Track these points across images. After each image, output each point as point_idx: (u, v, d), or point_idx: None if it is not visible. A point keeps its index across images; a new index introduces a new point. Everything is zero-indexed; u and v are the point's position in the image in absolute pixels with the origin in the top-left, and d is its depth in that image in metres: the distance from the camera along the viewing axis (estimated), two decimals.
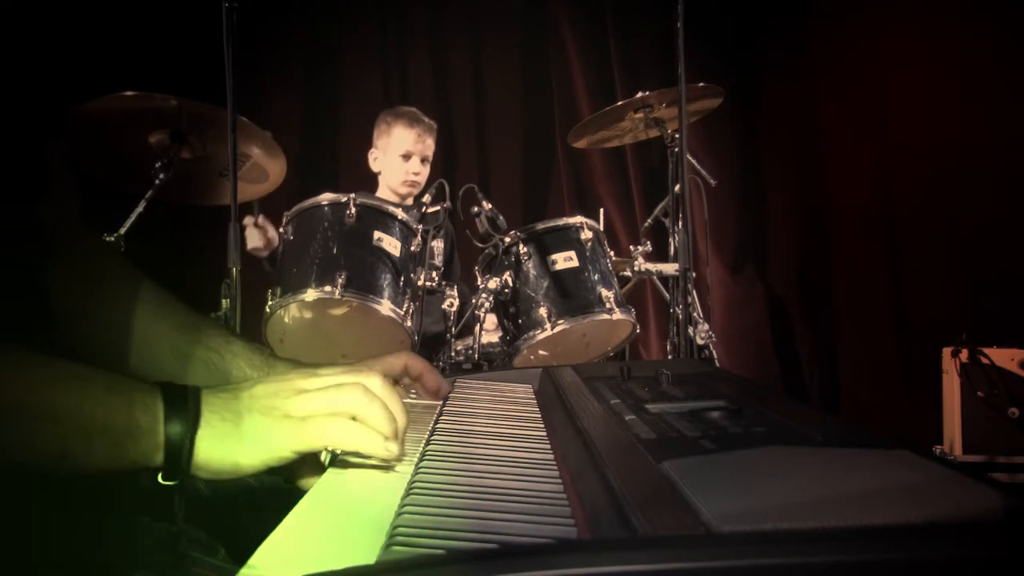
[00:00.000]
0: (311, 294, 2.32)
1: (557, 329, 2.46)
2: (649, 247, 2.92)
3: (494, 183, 4.31)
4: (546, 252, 2.55)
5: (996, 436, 2.92)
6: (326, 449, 0.77)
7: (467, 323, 2.59)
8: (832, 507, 0.50)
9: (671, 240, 3.01)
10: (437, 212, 2.70)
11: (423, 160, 3.20)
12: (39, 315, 0.90)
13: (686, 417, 0.79)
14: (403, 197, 3.21)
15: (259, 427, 0.73)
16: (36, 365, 0.70)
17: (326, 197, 2.48)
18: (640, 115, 3.07)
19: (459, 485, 0.69)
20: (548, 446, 0.85)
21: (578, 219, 2.63)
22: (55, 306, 0.94)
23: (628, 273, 2.91)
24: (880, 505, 0.51)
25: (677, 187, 2.90)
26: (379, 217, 2.48)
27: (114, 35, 2.81)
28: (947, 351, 3.02)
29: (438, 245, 3.17)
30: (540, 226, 2.61)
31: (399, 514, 0.61)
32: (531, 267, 2.54)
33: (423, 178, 3.19)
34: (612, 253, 2.69)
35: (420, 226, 2.55)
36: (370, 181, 3.33)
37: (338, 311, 2.42)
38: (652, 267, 2.90)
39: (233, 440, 0.72)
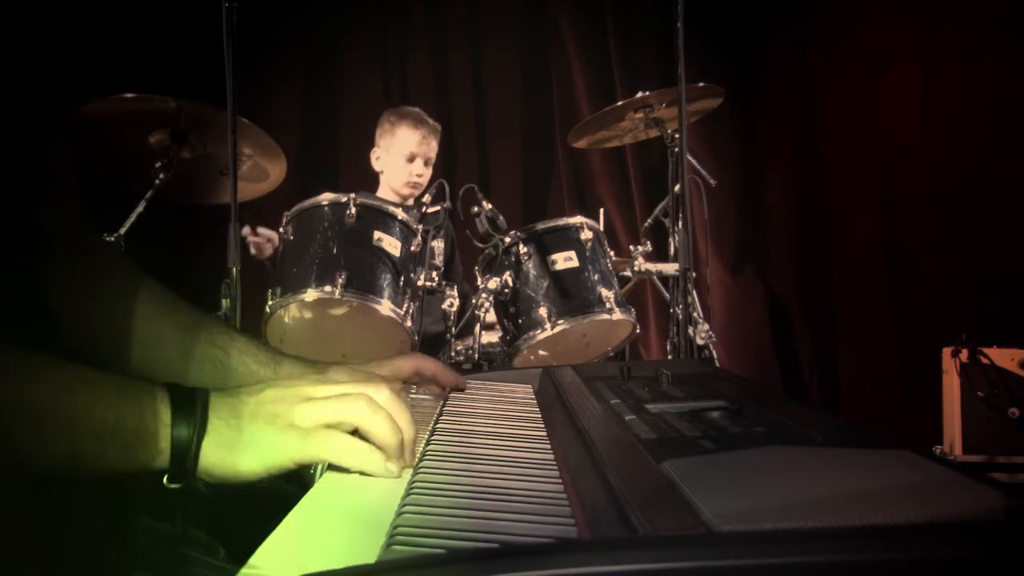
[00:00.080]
0: (311, 294, 2.32)
1: (557, 329, 2.46)
2: (649, 247, 2.92)
3: (494, 183, 4.31)
4: (546, 252, 2.55)
5: (996, 436, 2.92)
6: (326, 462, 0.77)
7: (467, 323, 2.59)
8: (832, 507, 0.50)
9: (671, 240, 3.01)
10: (437, 212, 2.70)
11: (426, 162, 3.19)
12: (39, 316, 0.90)
13: (686, 417, 0.79)
14: (404, 198, 3.20)
15: (262, 436, 0.73)
16: (45, 369, 0.70)
17: (326, 197, 2.48)
18: (640, 115, 3.07)
19: (459, 485, 0.69)
20: (548, 446, 0.85)
21: (578, 219, 2.63)
22: (57, 307, 0.94)
23: (628, 273, 2.91)
24: (880, 505, 0.51)
25: (677, 187, 2.90)
26: (379, 217, 2.48)
27: (114, 36, 2.81)
28: (947, 351, 3.02)
29: (438, 245, 3.17)
30: (540, 226, 2.61)
31: (399, 514, 0.61)
32: (531, 267, 2.54)
33: (425, 180, 3.19)
34: (612, 253, 2.69)
35: (420, 226, 2.55)
36: (370, 181, 3.33)
37: (338, 311, 2.42)
38: (652, 267, 2.90)
39: (236, 447, 0.73)
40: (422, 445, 0.84)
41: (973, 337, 2.98)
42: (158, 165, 2.60)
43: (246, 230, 2.78)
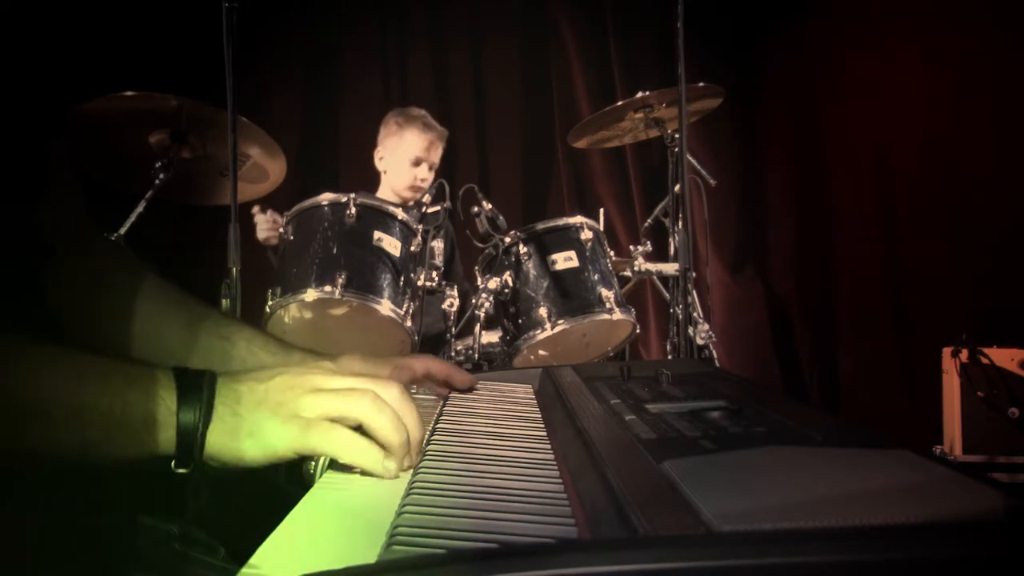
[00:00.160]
0: (311, 294, 2.32)
1: (557, 329, 2.46)
2: (649, 247, 2.92)
3: (494, 183, 4.31)
4: (546, 252, 2.55)
5: (996, 436, 2.92)
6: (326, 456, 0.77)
7: (467, 323, 2.59)
8: (832, 507, 0.50)
9: (671, 240, 3.01)
10: (437, 212, 2.70)
11: (430, 167, 3.18)
12: (39, 316, 0.90)
13: (686, 417, 0.79)
14: (406, 200, 3.20)
15: (265, 424, 0.74)
16: (52, 359, 0.70)
17: (326, 197, 2.48)
18: (640, 115, 3.07)
19: (459, 485, 0.69)
20: (548, 446, 0.85)
21: (578, 219, 2.63)
22: (57, 306, 0.94)
23: (628, 273, 2.91)
24: (880, 505, 0.51)
25: (677, 187, 2.90)
26: (379, 217, 2.48)
27: (114, 35, 2.81)
28: (947, 351, 3.02)
29: (438, 245, 3.16)
30: (540, 226, 2.61)
31: (399, 514, 0.61)
32: (531, 267, 2.55)
33: (428, 183, 3.18)
34: (612, 253, 2.69)
35: (420, 226, 2.55)
36: (370, 181, 3.33)
37: (338, 311, 2.42)
38: (652, 267, 2.90)
39: (240, 434, 0.73)
40: (422, 445, 0.84)
41: (973, 337, 2.98)
42: (158, 165, 2.60)
43: (256, 208, 2.78)
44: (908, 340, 3.84)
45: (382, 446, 0.75)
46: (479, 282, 2.61)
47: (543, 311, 2.47)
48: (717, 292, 3.99)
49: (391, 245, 2.44)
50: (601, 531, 0.59)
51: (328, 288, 2.31)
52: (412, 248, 2.50)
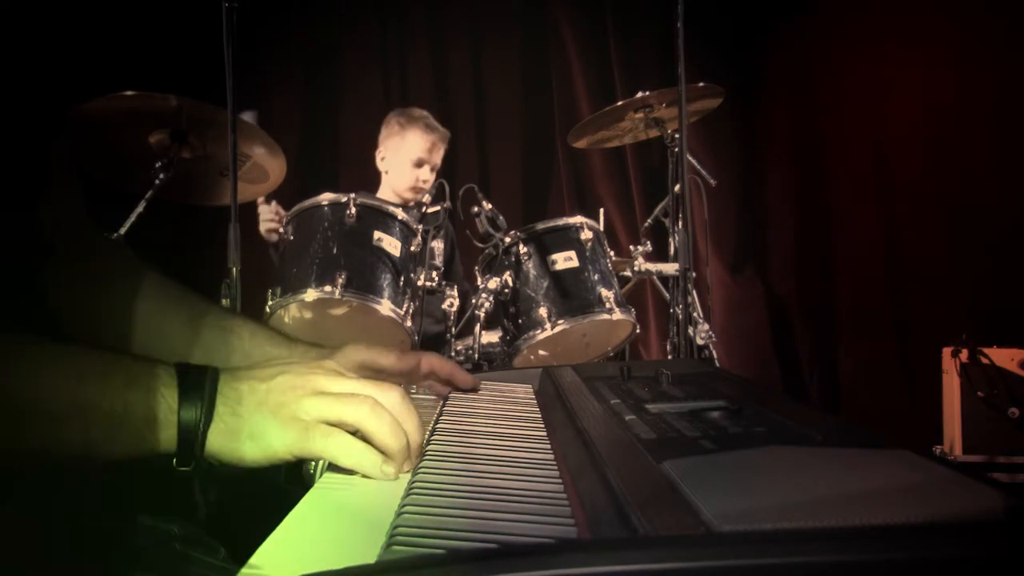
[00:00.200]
0: (311, 294, 2.32)
1: (557, 329, 2.46)
2: (649, 247, 2.92)
3: (494, 183, 4.31)
4: (546, 252, 2.55)
5: (996, 436, 2.92)
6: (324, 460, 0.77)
7: (467, 323, 2.59)
8: (832, 507, 0.50)
9: (671, 240, 3.01)
10: (437, 212, 2.70)
11: (432, 168, 3.18)
12: (39, 316, 0.90)
13: (686, 417, 0.79)
14: (407, 201, 3.19)
15: (264, 426, 0.74)
16: (55, 357, 0.70)
17: (326, 197, 2.48)
18: (640, 115, 3.07)
19: (459, 485, 0.69)
20: (548, 446, 0.85)
21: (578, 219, 2.63)
22: (57, 307, 0.94)
23: (628, 273, 2.91)
24: (880, 505, 0.51)
25: (677, 187, 2.90)
26: (379, 217, 2.48)
27: (114, 35, 2.81)
28: (947, 351, 3.02)
29: (438, 245, 3.17)
30: (540, 226, 2.61)
31: (399, 514, 0.61)
32: (531, 267, 2.55)
33: (429, 184, 3.18)
34: (612, 253, 2.69)
35: (420, 226, 2.55)
36: (370, 181, 3.33)
37: (338, 311, 2.42)
38: (652, 267, 2.90)
39: (240, 435, 0.73)
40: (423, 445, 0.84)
41: (973, 337, 2.98)
42: (158, 165, 2.59)
43: (261, 199, 2.78)
44: (908, 340, 3.84)
45: (381, 451, 0.76)
46: (479, 282, 2.61)
47: (543, 311, 2.47)
48: (717, 292, 3.99)
49: (391, 245, 2.44)
50: (601, 531, 0.59)
51: (328, 288, 2.31)
52: (412, 248, 2.50)
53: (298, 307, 2.40)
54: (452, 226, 3.28)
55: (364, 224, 2.44)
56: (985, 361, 2.93)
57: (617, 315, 2.48)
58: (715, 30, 3.76)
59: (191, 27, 2.83)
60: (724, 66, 3.76)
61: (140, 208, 2.57)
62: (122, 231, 2.53)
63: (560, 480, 0.72)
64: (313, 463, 0.83)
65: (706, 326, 2.80)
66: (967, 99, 3.66)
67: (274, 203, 2.78)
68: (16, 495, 0.71)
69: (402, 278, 2.43)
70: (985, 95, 3.64)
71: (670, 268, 2.85)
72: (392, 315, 2.35)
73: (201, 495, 0.89)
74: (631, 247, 2.94)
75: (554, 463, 0.78)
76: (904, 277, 3.89)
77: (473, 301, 2.55)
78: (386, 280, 2.39)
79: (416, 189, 3.15)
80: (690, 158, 2.64)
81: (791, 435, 0.71)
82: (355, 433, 0.76)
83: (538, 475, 0.73)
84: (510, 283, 2.52)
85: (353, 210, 2.42)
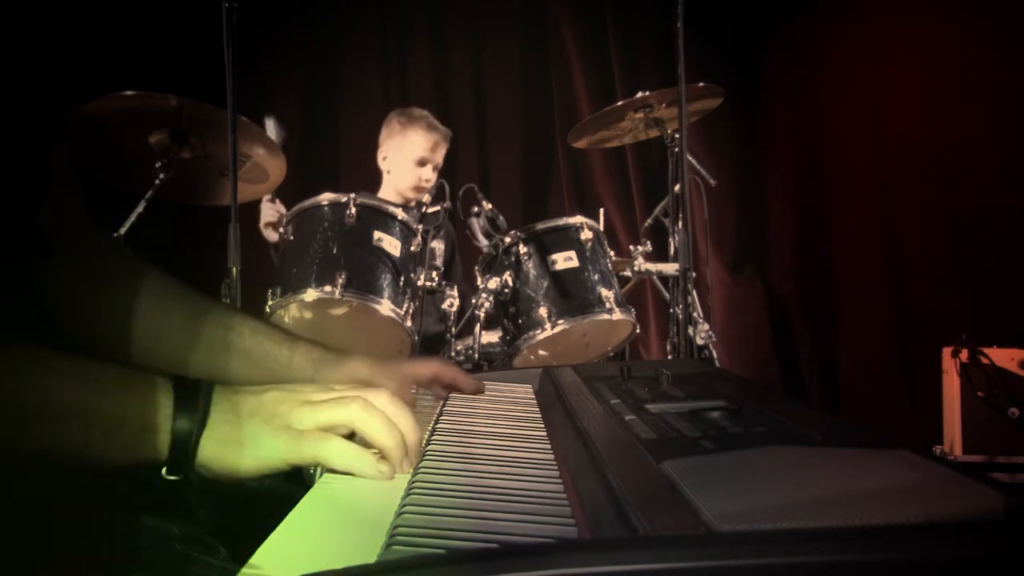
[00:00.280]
0: (311, 294, 2.32)
1: (557, 329, 2.46)
2: (649, 247, 2.92)
3: (494, 183, 4.31)
4: (546, 252, 2.55)
5: (996, 436, 2.92)
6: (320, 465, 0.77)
7: (467, 323, 2.59)
8: (832, 507, 0.50)
9: (671, 240, 3.01)
10: (437, 212, 2.70)
11: (435, 167, 3.19)
12: (39, 317, 0.90)
13: (686, 417, 0.79)
14: (409, 200, 3.20)
15: (258, 434, 0.74)
16: (51, 364, 0.70)
17: (326, 197, 2.48)
18: (640, 115, 3.07)
19: (459, 485, 0.69)
20: (548, 446, 0.85)
21: (578, 219, 2.63)
22: (56, 307, 0.94)
23: (628, 273, 2.91)
24: (880, 505, 0.51)
25: (677, 187, 2.90)
26: (379, 217, 2.48)
27: (114, 35, 2.81)
28: (947, 351, 3.02)
29: (439, 245, 3.17)
30: (540, 226, 2.61)
31: (399, 514, 0.61)
32: (531, 267, 2.55)
33: (432, 183, 3.18)
34: (612, 253, 2.69)
35: (420, 226, 2.55)
36: (370, 181, 3.33)
37: (338, 311, 2.42)
38: (652, 267, 2.90)
39: (233, 444, 0.73)
40: (422, 445, 0.84)
41: (973, 337, 2.98)
42: (158, 165, 2.59)
43: (267, 197, 2.78)
44: (908, 340, 3.84)
45: (378, 451, 0.76)
46: (479, 282, 2.61)
47: (543, 311, 2.47)
48: (717, 292, 3.99)
49: (391, 245, 2.44)
50: (601, 531, 0.59)
51: (328, 288, 2.31)
52: (412, 248, 2.50)
53: (298, 307, 2.40)
54: (452, 226, 3.28)
55: (364, 224, 2.44)
56: (985, 361, 2.93)
57: (617, 315, 2.48)
58: (715, 30, 3.76)
59: (191, 27, 2.83)
60: (724, 66, 3.76)
61: (140, 208, 2.57)
62: (122, 231, 2.53)
63: (560, 480, 0.72)
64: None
65: (706, 326, 2.80)
66: (967, 99, 3.66)
67: (278, 201, 2.78)
68: (16, 495, 0.71)
69: (402, 278, 2.43)
70: (985, 95, 3.64)
71: (670, 268, 2.85)
72: (392, 315, 2.35)
73: (202, 495, 0.89)
74: (631, 247, 2.94)
75: (554, 463, 0.78)
76: (904, 277, 3.89)
77: (473, 301, 2.55)
78: (386, 280, 2.39)
79: (419, 188, 3.15)
80: (690, 158, 2.64)
81: (791, 435, 0.71)
82: (351, 437, 0.76)
83: (538, 475, 0.73)
84: (510, 283, 2.52)
85: (353, 210, 2.42)
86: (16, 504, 0.71)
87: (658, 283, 3.17)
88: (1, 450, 0.67)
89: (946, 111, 3.70)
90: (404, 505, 0.63)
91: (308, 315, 2.44)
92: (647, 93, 2.98)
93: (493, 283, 2.51)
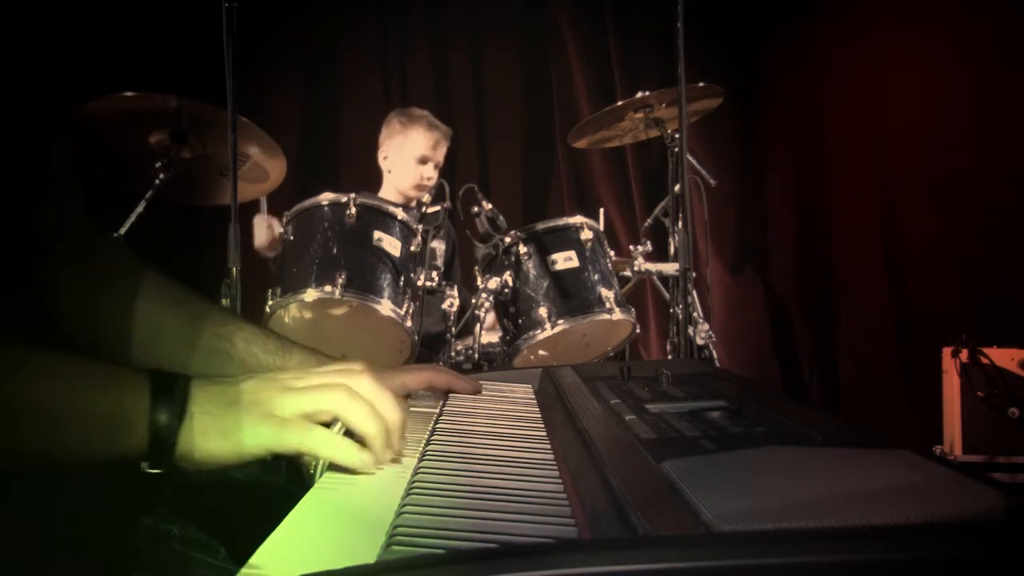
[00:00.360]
0: (311, 294, 2.32)
1: (557, 329, 2.46)
2: (649, 247, 2.92)
3: (494, 183, 4.31)
4: (546, 252, 2.55)
5: (996, 436, 2.91)
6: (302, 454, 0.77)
7: (467, 323, 2.59)
8: (832, 507, 0.50)
9: (671, 240, 3.01)
10: (437, 212, 2.70)
11: (436, 166, 3.19)
12: (39, 317, 0.90)
13: (686, 417, 0.79)
14: (410, 200, 3.20)
15: (239, 423, 0.73)
16: (28, 360, 0.70)
17: (326, 197, 2.48)
18: (640, 115, 3.07)
19: (459, 485, 0.69)
20: (548, 446, 0.85)
21: (578, 219, 2.63)
22: (62, 306, 0.94)
23: (628, 273, 2.91)
24: (880, 505, 0.51)
25: (677, 187, 2.90)
26: (379, 217, 2.48)
27: (114, 35, 2.81)
28: (947, 351, 3.02)
29: (439, 246, 3.17)
30: (540, 226, 2.61)
31: (399, 514, 0.61)
32: (531, 267, 2.55)
33: (434, 182, 3.18)
34: (612, 253, 2.69)
35: (420, 226, 2.55)
36: (370, 181, 3.33)
37: (338, 311, 2.42)
38: (652, 267, 2.90)
39: (213, 434, 0.73)
40: (422, 445, 0.84)
41: (973, 337, 2.98)
42: (158, 165, 2.59)
43: (258, 216, 2.76)
44: (908, 340, 3.84)
45: (362, 436, 0.76)
46: (479, 282, 2.61)
47: (543, 311, 2.47)
48: (717, 292, 3.99)
49: (391, 245, 2.44)
50: (601, 531, 0.59)
51: (328, 288, 2.31)
52: (412, 248, 2.50)
53: (298, 307, 2.40)
54: (452, 227, 3.28)
55: (364, 224, 2.44)
56: (985, 361, 2.93)
57: (617, 315, 2.48)
58: (715, 30, 3.76)
59: (191, 27, 2.83)
60: (724, 66, 3.76)
61: (140, 208, 2.57)
62: (122, 231, 2.53)
63: (560, 480, 0.72)
64: (313, 464, 0.83)
65: (706, 326, 2.80)
66: (967, 99, 3.66)
67: (274, 223, 2.71)
68: (16, 495, 0.71)
69: (402, 278, 2.43)
70: (985, 95, 3.64)
71: (670, 268, 2.85)
72: (392, 315, 2.35)
73: (201, 495, 0.89)
74: (631, 247, 2.94)
75: (554, 463, 0.78)
76: (904, 277, 3.89)
77: (473, 301, 2.55)
78: (386, 280, 2.39)
79: (421, 187, 3.15)
80: (690, 158, 2.64)
81: (791, 435, 0.71)
82: (331, 425, 0.76)
83: (538, 475, 0.73)
84: (510, 283, 2.52)
85: (353, 210, 2.42)
86: (16, 504, 0.71)
87: (658, 283, 3.17)
88: None
89: (946, 111, 3.70)
90: (404, 505, 0.63)
91: (308, 315, 2.44)
92: (647, 93, 2.98)
93: (493, 283, 2.51)
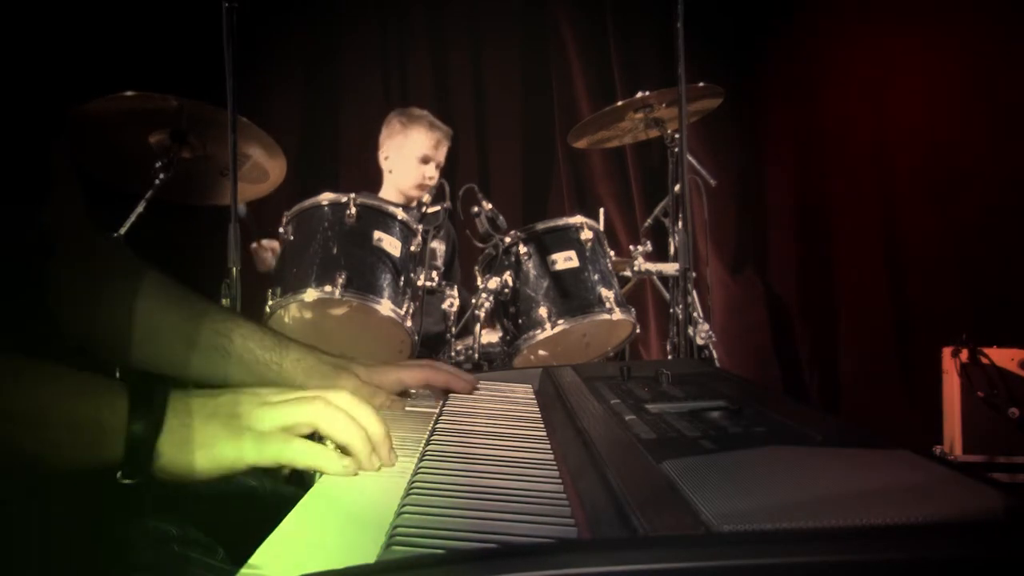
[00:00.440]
0: (311, 294, 2.32)
1: (557, 329, 2.46)
2: (649, 247, 2.92)
3: (494, 183, 4.31)
4: (546, 252, 2.55)
5: (996, 436, 2.91)
6: (283, 466, 0.77)
7: (467, 323, 2.59)
8: (832, 507, 0.50)
9: (671, 240, 3.01)
10: (437, 212, 2.70)
11: (437, 165, 3.20)
12: (39, 317, 0.90)
13: (686, 417, 0.79)
14: (411, 199, 3.20)
15: (217, 436, 0.73)
16: (5, 366, 0.70)
17: (326, 197, 2.48)
18: (640, 115, 3.07)
19: (459, 485, 0.69)
20: (548, 446, 0.85)
21: (578, 219, 2.63)
22: (62, 306, 0.94)
23: (628, 273, 2.91)
24: (880, 505, 0.51)
25: (677, 187, 2.90)
26: (379, 217, 2.48)
27: (114, 35, 2.81)
28: (947, 351, 3.02)
29: (439, 246, 3.17)
30: (540, 226, 2.61)
31: (399, 514, 0.61)
32: (531, 267, 2.55)
33: (435, 181, 3.19)
34: (612, 253, 2.69)
35: (420, 226, 2.55)
36: (370, 181, 3.33)
37: (338, 311, 2.42)
38: (652, 267, 2.90)
39: (191, 446, 0.73)
40: (422, 445, 0.84)
41: (973, 337, 2.98)
42: (158, 165, 2.59)
43: (254, 245, 2.79)
44: (908, 340, 3.84)
45: (341, 448, 0.76)
46: (479, 282, 2.61)
47: (543, 311, 2.47)
48: (717, 292, 3.99)
49: (391, 245, 2.44)
50: (601, 531, 0.59)
51: (328, 288, 2.31)
52: (412, 248, 2.50)
53: (298, 307, 2.40)
54: (452, 227, 3.28)
55: (364, 224, 2.44)
56: (985, 361, 2.93)
57: (617, 315, 2.48)
58: (715, 30, 3.76)
59: (191, 27, 2.83)
60: (724, 66, 3.76)
61: (140, 208, 2.57)
62: (122, 231, 2.53)
63: (560, 480, 0.72)
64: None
65: (706, 326, 2.80)
66: (968, 99, 3.66)
67: (270, 252, 2.79)
68: (16, 496, 0.71)
69: (402, 278, 2.43)
70: (986, 96, 3.64)
71: (670, 268, 2.85)
72: (392, 315, 2.35)
73: (200, 496, 0.88)
74: (631, 247, 2.94)
75: (554, 463, 0.78)
76: (904, 277, 3.89)
77: (473, 301, 2.55)
78: (386, 280, 2.39)
79: (422, 186, 3.16)
80: (690, 158, 2.64)
81: (791, 435, 0.71)
82: (312, 437, 0.76)
83: (538, 475, 0.73)
84: (510, 283, 2.52)
85: (353, 210, 2.42)
86: (16, 505, 0.71)
87: (658, 283, 3.17)
88: None
89: (946, 111, 3.70)
90: (404, 505, 0.63)
91: (308, 315, 2.44)
92: (647, 93, 2.98)
93: (493, 283, 2.51)
